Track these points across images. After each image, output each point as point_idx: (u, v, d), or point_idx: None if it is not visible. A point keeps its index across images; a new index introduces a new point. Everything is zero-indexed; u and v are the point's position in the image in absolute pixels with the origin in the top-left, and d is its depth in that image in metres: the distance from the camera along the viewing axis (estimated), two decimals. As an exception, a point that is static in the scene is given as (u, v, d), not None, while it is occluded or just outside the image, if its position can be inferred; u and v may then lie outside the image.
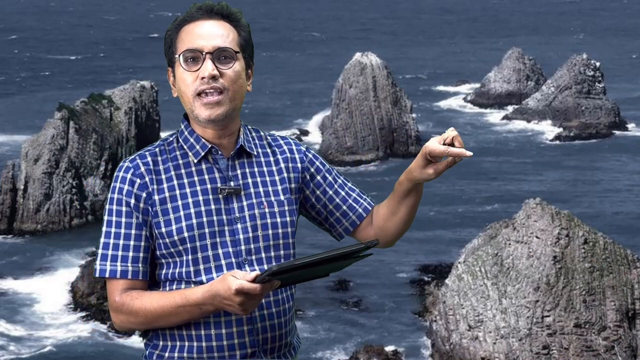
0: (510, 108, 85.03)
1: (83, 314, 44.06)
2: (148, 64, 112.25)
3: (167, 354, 3.84)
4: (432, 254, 50.25)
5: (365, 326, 42.31)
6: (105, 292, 44.33)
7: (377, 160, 70.39)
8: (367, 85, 72.07)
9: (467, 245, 42.80)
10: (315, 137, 76.26)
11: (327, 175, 4.09)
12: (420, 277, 47.54)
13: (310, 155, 4.08)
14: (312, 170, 4.07)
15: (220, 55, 3.79)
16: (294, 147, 4.05)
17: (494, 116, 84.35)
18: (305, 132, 77.83)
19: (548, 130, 78.88)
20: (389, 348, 39.60)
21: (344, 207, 4.09)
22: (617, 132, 78.63)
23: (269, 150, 4.01)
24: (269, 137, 4.06)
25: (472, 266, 38.05)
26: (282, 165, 3.99)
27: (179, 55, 3.79)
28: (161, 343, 3.86)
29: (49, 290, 46.25)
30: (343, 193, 4.10)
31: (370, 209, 4.12)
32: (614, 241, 38.08)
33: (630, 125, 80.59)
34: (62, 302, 45.35)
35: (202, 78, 3.76)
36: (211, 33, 3.79)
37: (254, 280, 3.44)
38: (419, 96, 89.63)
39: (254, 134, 4.02)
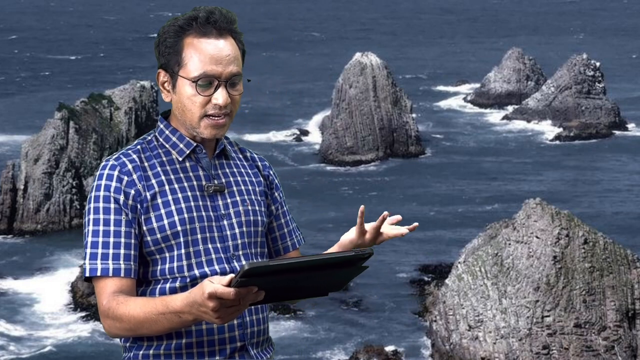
0: (510, 108, 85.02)
1: (83, 314, 44.07)
2: (148, 64, 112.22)
3: (152, 352, 3.79)
4: (432, 254, 50.25)
5: (365, 326, 42.32)
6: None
7: (377, 160, 70.37)
8: (367, 85, 72.06)
9: (467, 245, 42.81)
10: (315, 137, 76.26)
11: (281, 195, 4.21)
12: (420, 277, 47.55)
13: (272, 172, 4.20)
14: (273, 185, 4.18)
15: (232, 81, 3.83)
16: (258, 161, 4.16)
17: (494, 116, 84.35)
18: (305, 132, 77.79)
19: (548, 130, 78.88)
20: (389, 348, 39.62)
21: (285, 230, 4.20)
22: (617, 132, 78.64)
23: (241, 156, 4.11)
24: (238, 144, 4.17)
25: (472, 266, 38.04)
26: (255, 171, 4.11)
27: (196, 82, 3.77)
28: (146, 342, 3.80)
29: (49, 290, 46.25)
30: (288, 218, 4.22)
31: (298, 246, 4.28)
32: (614, 241, 38.07)
33: (630, 125, 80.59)
34: (62, 302, 45.36)
35: (215, 104, 3.79)
36: (225, 57, 3.80)
37: (229, 285, 3.31)
38: (419, 96, 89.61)
39: (225, 140, 4.08)
